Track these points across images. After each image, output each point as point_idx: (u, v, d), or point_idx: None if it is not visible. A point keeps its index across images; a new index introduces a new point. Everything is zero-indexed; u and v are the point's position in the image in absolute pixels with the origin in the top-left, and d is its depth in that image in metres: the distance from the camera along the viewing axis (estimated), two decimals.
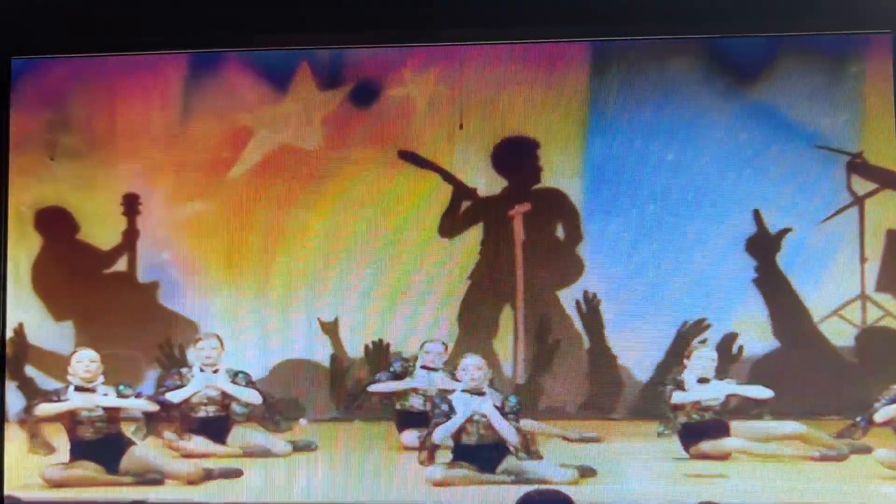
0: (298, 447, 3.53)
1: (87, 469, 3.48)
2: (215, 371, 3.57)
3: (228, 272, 3.60)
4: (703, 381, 3.45)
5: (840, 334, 3.44)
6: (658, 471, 3.39)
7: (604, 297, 3.50)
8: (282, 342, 3.58)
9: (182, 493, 3.46)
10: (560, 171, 3.55)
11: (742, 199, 3.47)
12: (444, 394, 3.47)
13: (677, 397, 3.45)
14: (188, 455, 3.53)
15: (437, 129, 3.59)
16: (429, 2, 3.42)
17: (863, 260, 3.45)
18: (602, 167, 3.53)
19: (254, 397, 3.55)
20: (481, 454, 3.42)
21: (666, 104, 3.50)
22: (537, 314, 3.52)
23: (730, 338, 3.46)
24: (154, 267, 3.65)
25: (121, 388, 3.55)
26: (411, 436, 3.49)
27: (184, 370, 3.58)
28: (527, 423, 3.44)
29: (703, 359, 3.45)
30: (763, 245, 3.47)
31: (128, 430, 3.53)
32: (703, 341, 3.46)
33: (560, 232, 3.56)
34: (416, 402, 3.54)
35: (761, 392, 3.42)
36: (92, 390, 3.52)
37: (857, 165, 3.45)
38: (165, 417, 3.55)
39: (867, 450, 3.36)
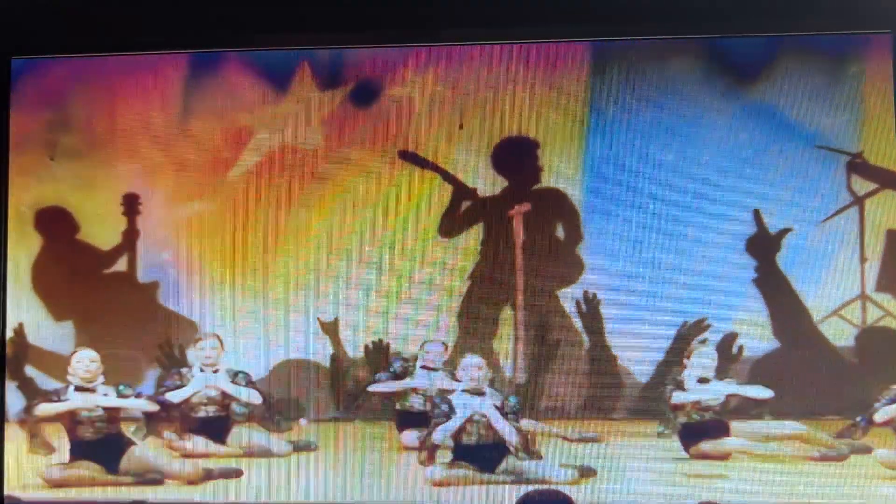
0: (298, 447, 3.57)
1: (87, 469, 3.52)
2: (215, 371, 3.60)
3: (228, 272, 3.64)
4: (703, 381, 3.49)
5: (840, 334, 3.47)
6: (658, 471, 3.42)
7: (604, 297, 3.54)
8: (282, 342, 3.62)
9: (182, 494, 3.50)
10: (560, 171, 3.59)
11: (742, 199, 3.52)
12: (444, 394, 3.51)
13: (677, 397, 3.49)
14: (188, 455, 3.57)
15: (437, 129, 3.63)
16: (429, 2, 3.47)
17: (863, 260, 3.49)
18: (602, 167, 3.57)
19: (254, 397, 3.59)
20: (481, 454, 3.45)
21: (666, 104, 3.54)
22: (537, 314, 3.56)
23: (730, 338, 3.50)
24: (154, 267, 3.69)
25: (121, 388, 3.59)
26: (411, 436, 3.53)
27: (184, 370, 3.62)
28: (527, 424, 3.48)
29: (703, 359, 3.49)
30: (763, 245, 3.51)
31: (128, 430, 3.57)
32: (704, 341, 3.50)
33: (560, 232, 3.61)
34: (415, 403, 3.58)
35: (761, 392, 3.46)
36: (92, 390, 3.55)
37: (857, 165, 3.50)
38: (165, 417, 3.58)
39: (867, 450, 3.39)
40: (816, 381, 3.45)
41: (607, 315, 3.54)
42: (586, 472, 3.43)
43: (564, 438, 3.48)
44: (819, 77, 3.49)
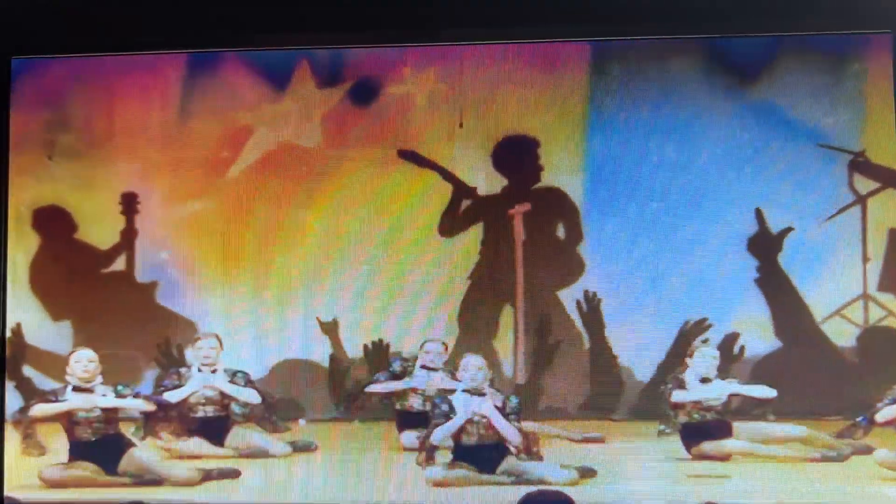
0: (298, 448, 3.62)
1: (86, 470, 3.57)
2: (213, 371, 3.65)
3: (227, 271, 3.70)
4: (705, 380, 3.54)
5: (842, 334, 3.52)
6: (659, 471, 3.47)
7: (604, 297, 3.59)
8: (281, 342, 3.67)
9: (182, 494, 3.55)
10: (560, 170, 3.64)
11: (743, 198, 3.57)
12: (444, 394, 3.56)
13: (677, 396, 3.54)
14: (187, 456, 3.62)
15: (436, 128, 3.68)
16: (429, 2, 3.52)
17: (865, 259, 3.54)
18: (603, 166, 3.62)
19: (252, 397, 3.65)
20: (481, 455, 3.50)
21: (667, 103, 3.59)
22: (538, 314, 3.61)
23: (731, 338, 3.55)
24: (153, 266, 3.74)
25: (119, 388, 3.64)
26: (411, 436, 3.59)
27: (182, 370, 3.67)
28: (528, 425, 3.53)
29: (705, 358, 3.54)
30: (765, 244, 3.56)
31: (128, 431, 3.63)
32: (705, 341, 3.55)
33: (560, 231, 3.66)
34: (415, 403, 3.63)
35: (764, 392, 3.51)
36: (90, 390, 3.61)
37: (860, 164, 3.55)
38: (163, 417, 3.64)
39: (868, 450, 3.45)
40: (818, 381, 3.50)
41: (608, 315, 3.59)
42: (587, 473, 3.48)
43: (569, 440, 3.53)
44: (820, 76, 3.55)
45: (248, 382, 3.66)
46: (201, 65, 3.73)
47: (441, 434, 3.51)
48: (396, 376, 3.64)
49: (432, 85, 3.67)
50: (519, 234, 3.66)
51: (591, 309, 3.60)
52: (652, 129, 3.59)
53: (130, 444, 3.60)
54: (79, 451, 3.60)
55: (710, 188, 3.57)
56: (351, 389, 3.63)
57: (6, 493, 3.59)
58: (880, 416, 3.44)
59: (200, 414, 3.65)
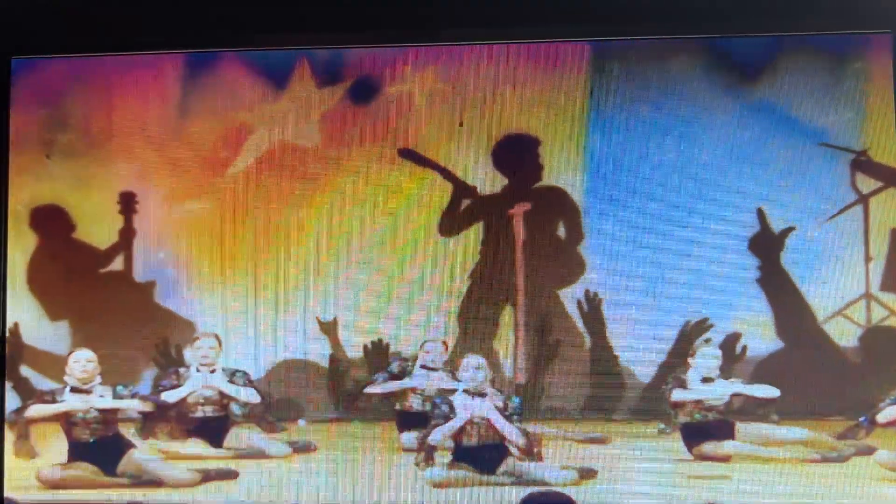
0: (298, 448, 3.68)
1: (84, 471, 3.64)
2: (212, 371, 3.72)
3: (226, 271, 3.76)
4: (707, 380, 3.60)
5: (844, 334, 3.59)
6: (660, 472, 3.54)
7: (605, 297, 3.66)
8: (280, 342, 3.73)
9: (181, 495, 3.62)
10: (561, 169, 3.71)
11: (745, 198, 3.63)
12: (445, 394, 3.62)
13: (677, 395, 3.60)
14: (186, 457, 3.68)
15: (436, 127, 3.74)
16: (429, 2, 3.59)
17: (867, 259, 3.60)
18: (604, 165, 3.69)
19: (252, 396, 3.71)
20: (481, 455, 3.57)
21: (668, 102, 3.66)
22: (538, 314, 3.68)
23: (733, 338, 3.61)
24: (151, 266, 3.80)
25: (118, 388, 3.70)
26: (411, 437, 3.65)
27: (181, 370, 3.73)
28: (529, 427, 3.60)
29: (706, 357, 3.60)
30: (766, 244, 3.63)
31: (128, 432, 3.69)
32: (707, 341, 3.61)
33: (561, 231, 3.72)
34: (414, 403, 3.69)
35: (767, 391, 3.57)
36: (88, 391, 3.67)
37: (862, 163, 3.61)
38: (162, 418, 3.70)
39: (869, 451, 3.51)
40: (820, 382, 3.56)
41: (609, 314, 3.65)
42: (587, 474, 3.54)
43: (573, 440, 3.59)
44: (822, 74, 3.61)
45: (248, 382, 3.72)
46: (200, 64, 3.80)
47: (439, 435, 3.57)
48: (395, 377, 3.70)
49: (432, 84, 3.74)
50: (519, 233, 3.72)
51: (592, 309, 3.66)
52: (652, 129, 3.66)
53: (130, 445, 3.67)
54: (78, 451, 3.67)
55: (711, 187, 3.64)
56: (350, 390, 3.69)
57: (6, 494, 3.66)
58: (881, 417, 3.51)
59: (199, 414, 3.72)
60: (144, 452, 3.67)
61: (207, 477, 3.63)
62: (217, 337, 3.73)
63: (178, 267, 3.79)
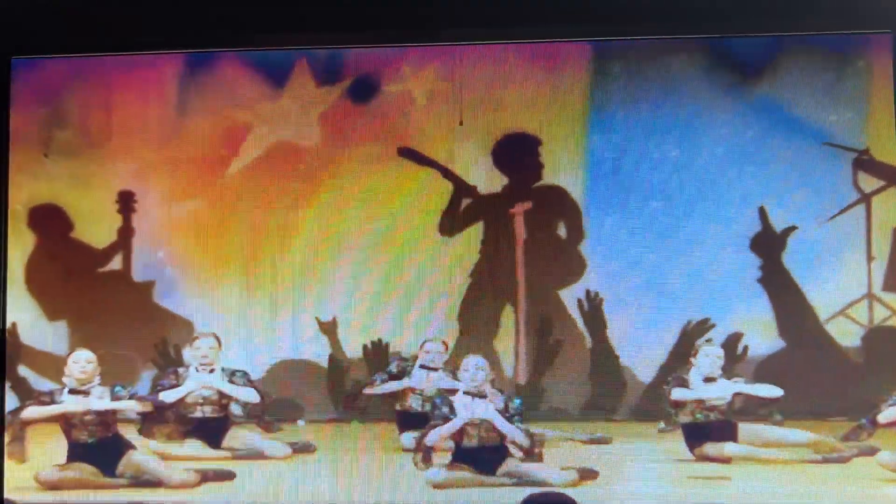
0: (297, 449, 3.75)
1: (83, 471, 3.71)
2: (211, 371, 3.78)
3: (225, 270, 3.83)
4: (709, 380, 3.67)
5: (846, 334, 3.66)
6: (661, 472, 3.61)
7: (606, 296, 3.73)
8: (279, 342, 3.80)
9: (180, 496, 3.69)
10: (562, 168, 3.78)
11: (747, 197, 3.70)
12: (446, 395, 3.69)
13: (677, 394, 3.66)
14: (185, 458, 3.75)
15: (436, 126, 3.81)
16: (429, 2, 3.66)
17: (870, 258, 3.67)
18: (605, 164, 3.76)
19: (251, 396, 3.78)
20: (482, 456, 3.64)
21: (670, 101, 3.73)
22: (538, 313, 3.75)
23: (734, 337, 3.68)
24: (149, 265, 3.87)
25: (116, 389, 3.77)
26: (411, 437, 3.72)
27: (180, 370, 3.80)
28: (531, 429, 3.67)
29: (709, 357, 3.67)
30: (768, 243, 3.70)
31: (128, 432, 3.75)
32: (709, 340, 3.68)
33: (562, 230, 3.79)
34: (414, 403, 3.76)
35: (770, 391, 3.64)
36: (86, 393, 3.74)
37: (864, 162, 3.68)
38: (160, 418, 3.77)
39: (871, 452, 3.58)
40: (822, 382, 3.63)
41: (609, 314, 3.72)
42: (588, 474, 3.61)
43: (577, 441, 3.65)
44: (823, 73, 3.68)
45: (248, 382, 3.78)
46: (199, 62, 3.87)
47: (436, 435, 3.63)
48: (394, 377, 3.77)
49: (432, 82, 3.80)
50: (520, 232, 3.79)
51: (593, 308, 3.73)
52: (653, 128, 3.73)
53: (130, 446, 3.74)
54: (77, 452, 3.74)
55: (712, 187, 3.71)
56: (350, 390, 3.76)
57: (6, 495, 3.73)
58: (882, 417, 3.57)
59: (198, 414, 3.78)
60: (144, 453, 3.74)
61: (205, 477, 3.70)
62: (216, 337, 3.80)
63: (177, 266, 3.85)
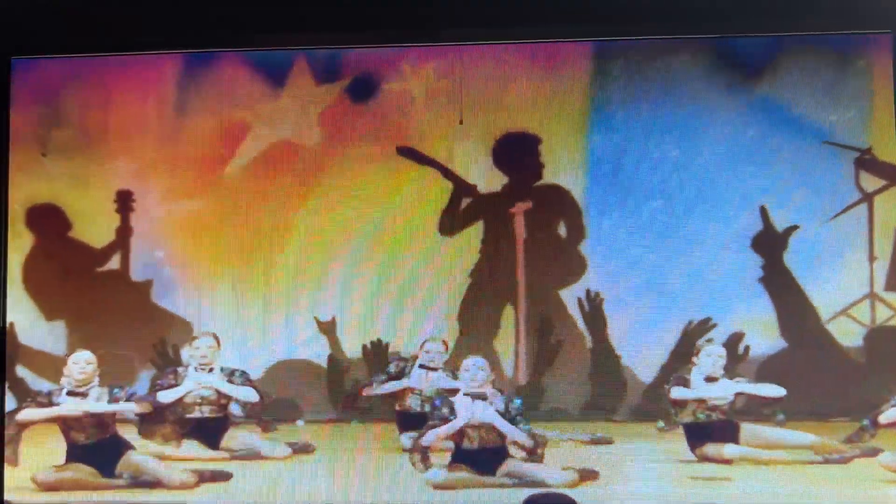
0: (296, 449, 3.82)
1: (81, 472, 3.79)
2: (210, 370, 3.86)
3: (223, 270, 3.90)
4: (711, 379, 3.74)
5: (848, 334, 3.73)
6: (661, 473, 3.69)
7: (606, 296, 3.80)
8: (278, 342, 3.87)
9: (178, 497, 3.76)
10: (562, 167, 3.85)
11: (748, 196, 3.78)
12: (446, 396, 3.76)
13: (676, 392, 3.74)
14: (184, 458, 3.82)
15: (436, 124, 3.89)
16: (429, 2, 3.74)
17: (871, 258, 3.75)
18: (605, 163, 3.83)
19: (250, 395, 3.85)
20: (482, 457, 3.71)
21: (671, 100, 3.81)
22: (539, 313, 3.82)
23: (736, 337, 3.76)
24: (148, 265, 3.94)
25: (115, 391, 3.85)
26: (408, 438, 3.78)
27: (180, 369, 3.88)
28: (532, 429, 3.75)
29: (711, 356, 3.74)
30: (770, 243, 3.77)
31: (128, 433, 3.82)
32: (710, 340, 3.75)
33: (562, 229, 3.86)
34: (413, 403, 3.83)
35: (773, 390, 3.71)
36: (84, 394, 3.81)
37: (866, 162, 3.76)
38: (158, 419, 3.84)
39: (874, 453, 3.65)
40: (824, 382, 3.70)
41: (610, 314, 3.80)
42: (589, 475, 3.68)
43: (579, 442, 3.72)
44: (825, 72, 3.76)
45: (247, 381, 3.85)
46: (198, 62, 3.94)
47: (433, 436, 3.71)
48: (393, 377, 3.84)
49: (432, 81, 3.88)
50: (520, 232, 3.86)
51: (593, 308, 3.80)
52: (654, 127, 3.80)
53: (128, 447, 3.82)
54: (75, 453, 3.81)
55: (713, 186, 3.78)
56: (349, 391, 3.83)
57: (6, 497, 3.81)
58: (883, 418, 3.64)
59: (196, 414, 3.86)
60: (142, 453, 3.81)
61: (203, 478, 3.77)
62: (215, 336, 3.87)
63: (176, 266, 3.92)
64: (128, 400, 3.82)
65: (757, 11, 3.69)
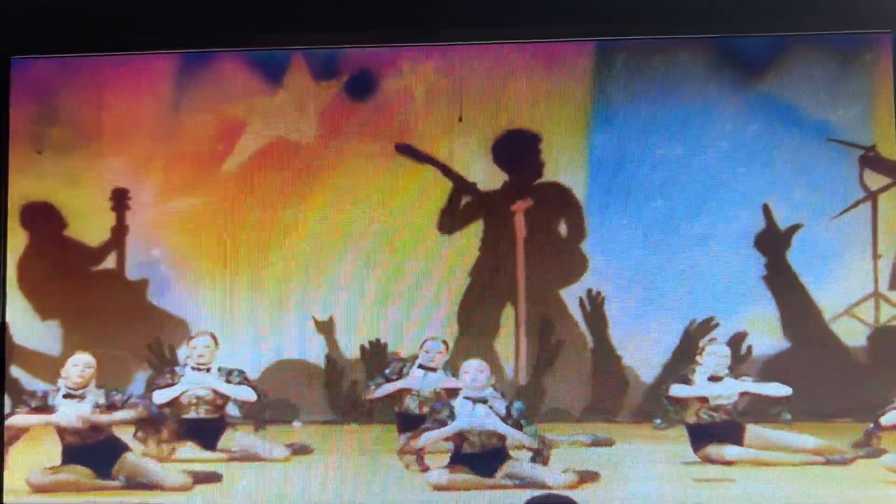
0: (294, 450, 3.88)
1: (76, 474, 3.84)
2: (208, 370, 3.92)
3: (220, 269, 3.96)
4: (715, 379, 3.79)
5: (852, 333, 3.79)
6: (663, 474, 3.75)
7: (608, 296, 3.86)
8: (275, 341, 3.93)
9: (175, 498, 3.81)
10: (563, 165, 3.91)
11: (751, 194, 3.84)
12: (447, 401, 3.81)
13: (675, 390, 3.79)
14: (181, 459, 3.88)
15: (435, 122, 3.94)
16: (429, 2, 3.80)
17: (876, 256, 3.81)
18: (606, 161, 3.89)
19: (248, 395, 3.90)
20: (482, 458, 3.77)
21: (673, 97, 3.87)
22: (539, 313, 3.88)
23: (738, 337, 3.82)
24: (143, 264, 4.00)
25: (112, 393, 3.90)
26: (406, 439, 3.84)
27: (177, 369, 3.94)
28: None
29: (715, 356, 3.80)
30: (773, 241, 3.83)
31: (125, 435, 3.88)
32: (713, 340, 3.81)
33: (563, 228, 3.92)
34: (412, 405, 3.89)
35: (779, 389, 3.76)
36: (81, 397, 3.86)
37: (870, 159, 3.83)
38: (155, 423, 3.89)
39: (877, 454, 3.71)
40: (827, 382, 3.76)
41: (612, 314, 3.85)
42: (590, 476, 3.74)
43: (580, 443, 3.78)
44: (829, 69, 3.83)
45: (245, 381, 3.91)
46: (194, 58, 4.00)
47: (426, 439, 3.76)
48: (390, 379, 3.89)
49: (431, 78, 3.93)
50: (520, 230, 3.92)
51: (595, 308, 3.86)
52: (656, 124, 3.86)
53: (125, 448, 3.87)
54: (71, 455, 3.87)
55: (715, 184, 3.85)
56: (347, 393, 3.88)
57: (6, 499, 3.87)
58: (885, 420, 3.70)
59: (193, 415, 3.91)
60: (139, 454, 3.86)
61: (200, 479, 3.82)
62: (213, 336, 3.93)
63: (172, 265, 3.98)
64: (125, 402, 3.87)
65: (757, 11, 3.76)
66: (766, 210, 3.81)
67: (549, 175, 3.91)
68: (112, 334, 3.93)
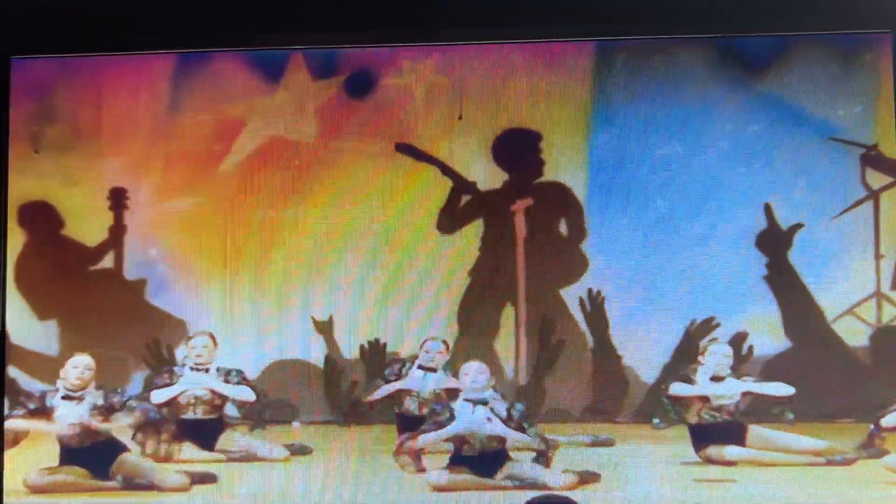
0: (293, 451, 3.94)
1: (74, 475, 3.90)
2: (206, 370, 3.99)
3: (219, 268, 4.02)
4: (716, 378, 3.85)
5: (854, 333, 3.86)
6: (664, 475, 3.81)
7: (608, 295, 3.92)
8: (275, 341, 4.00)
9: (173, 499, 3.87)
10: (563, 165, 3.98)
11: (752, 194, 3.91)
12: (447, 403, 3.87)
13: (675, 388, 3.86)
14: (179, 460, 3.94)
15: (435, 121, 4.01)
16: (429, 2, 3.88)
17: (878, 256, 3.88)
18: (607, 160, 3.96)
19: (247, 395, 3.97)
20: (482, 460, 3.83)
21: (673, 97, 3.94)
22: (540, 313, 3.95)
23: (740, 337, 3.89)
24: (141, 263, 4.07)
25: (111, 395, 3.96)
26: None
27: (176, 369, 4.00)
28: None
29: (717, 355, 3.86)
30: (774, 241, 3.90)
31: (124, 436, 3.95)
32: (714, 340, 3.88)
33: (563, 228, 3.99)
34: (411, 406, 3.95)
35: (781, 389, 3.82)
36: (80, 398, 3.92)
37: (872, 158, 3.90)
38: (153, 425, 3.96)
39: (879, 455, 3.78)
40: (829, 382, 3.83)
41: (612, 314, 3.92)
42: (590, 477, 3.80)
43: (580, 444, 3.84)
44: (830, 68, 3.90)
45: (243, 381, 3.97)
46: (193, 57, 4.07)
47: (422, 441, 3.82)
48: (389, 381, 3.94)
49: (431, 76, 4.01)
50: (520, 230, 3.99)
51: (595, 308, 3.93)
52: (657, 123, 3.94)
53: (123, 449, 3.94)
54: (69, 455, 3.93)
55: (716, 183, 3.92)
56: (349, 396, 3.94)
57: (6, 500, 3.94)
58: (885, 421, 3.77)
59: (191, 415, 3.98)
60: (137, 455, 3.93)
61: (198, 480, 3.88)
62: (211, 335, 3.99)
63: (170, 264, 4.05)
64: (124, 404, 3.93)
65: (757, 11, 3.84)
66: (768, 210, 3.88)
67: (549, 174, 3.97)
68: (110, 334, 3.99)
